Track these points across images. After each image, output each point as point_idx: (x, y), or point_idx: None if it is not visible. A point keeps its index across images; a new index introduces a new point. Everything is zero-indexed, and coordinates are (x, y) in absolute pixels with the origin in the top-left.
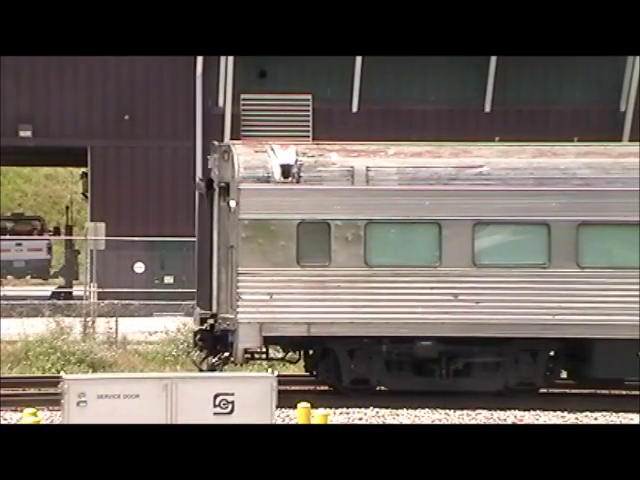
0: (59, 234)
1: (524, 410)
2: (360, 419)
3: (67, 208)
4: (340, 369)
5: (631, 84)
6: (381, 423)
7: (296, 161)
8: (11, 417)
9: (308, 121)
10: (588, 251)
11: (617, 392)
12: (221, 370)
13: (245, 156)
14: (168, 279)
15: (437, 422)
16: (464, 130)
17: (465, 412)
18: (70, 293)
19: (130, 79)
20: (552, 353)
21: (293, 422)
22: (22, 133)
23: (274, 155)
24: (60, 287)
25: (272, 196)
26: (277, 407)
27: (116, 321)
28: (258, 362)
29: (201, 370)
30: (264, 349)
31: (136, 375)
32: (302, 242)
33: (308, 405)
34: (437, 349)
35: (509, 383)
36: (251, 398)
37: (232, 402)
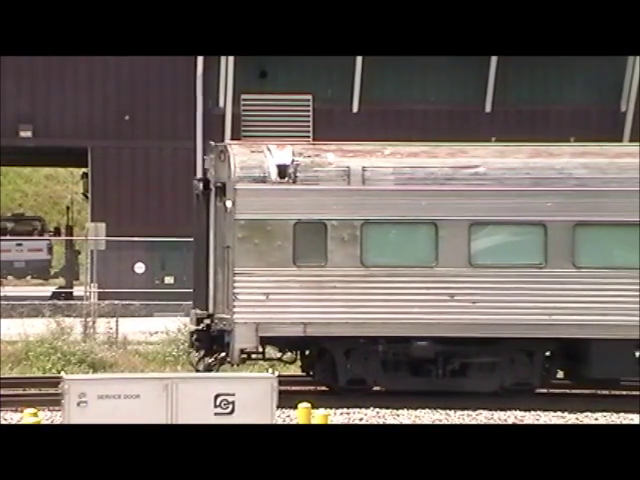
0: (59, 234)
1: (525, 410)
2: (360, 419)
3: (67, 208)
4: (336, 369)
5: (631, 84)
6: (381, 423)
7: (292, 161)
8: (12, 417)
9: (308, 121)
10: (584, 251)
11: (617, 392)
12: (217, 370)
13: (241, 156)
14: (168, 279)
15: (438, 422)
16: (464, 130)
17: (466, 412)
18: (70, 293)
19: (130, 79)
20: (548, 353)
21: (294, 422)
22: (22, 133)
23: (270, 155)
24: (60, 287)
25: (268, 196)
26: (278, 407)
27: (116, 321)
28: (259, 363)
29: (197, 370)
30: (260, 349)
31: (136, 375)
32: (298, 242)
33: (309, 405)
34: (433, 349)
35: (505, 383)
36: (252, 398)
37: (233, 402)
